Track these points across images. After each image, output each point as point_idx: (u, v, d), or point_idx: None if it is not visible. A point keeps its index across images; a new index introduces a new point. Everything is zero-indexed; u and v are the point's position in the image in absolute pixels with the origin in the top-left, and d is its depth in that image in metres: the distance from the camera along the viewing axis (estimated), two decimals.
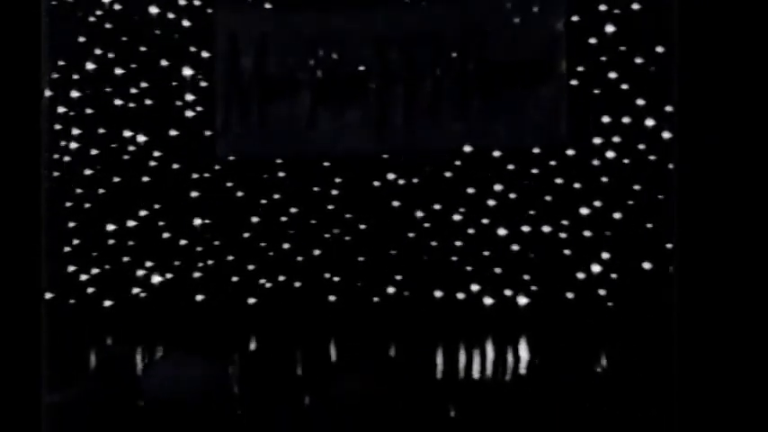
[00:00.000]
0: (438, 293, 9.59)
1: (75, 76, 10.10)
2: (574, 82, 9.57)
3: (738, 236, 2.92)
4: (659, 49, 9.23)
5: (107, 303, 9.93)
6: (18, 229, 2.95)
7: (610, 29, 9.54)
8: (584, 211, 9.50)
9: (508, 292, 9.49)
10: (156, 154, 10.07)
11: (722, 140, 2.95)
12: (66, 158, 10.08)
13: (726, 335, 2.92)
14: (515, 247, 9.54)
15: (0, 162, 2.95)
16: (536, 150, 9.63)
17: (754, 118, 2.92)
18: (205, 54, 10.05)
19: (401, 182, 9.78)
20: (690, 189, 3.00)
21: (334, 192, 9.88)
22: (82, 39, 10.12)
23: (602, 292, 9.33)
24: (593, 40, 9.60)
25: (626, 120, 9.50)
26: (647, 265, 9.14)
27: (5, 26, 2.94)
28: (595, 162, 9.54)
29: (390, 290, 9.67)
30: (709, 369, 2.93)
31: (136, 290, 9.94)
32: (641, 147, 9.40)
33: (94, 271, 9.98)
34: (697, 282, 2.94)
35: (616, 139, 9.53)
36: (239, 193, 9.97)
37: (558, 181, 9.56)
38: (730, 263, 2.92)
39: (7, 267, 2.94)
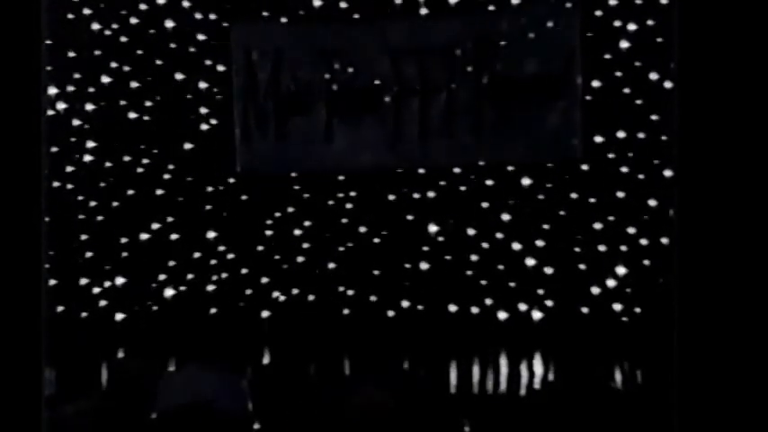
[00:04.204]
0: (452, 307, 9.59)
1: (91, 89, 10.13)
2: (588, 97, 9.57)
3: (740, 242, 2.91)
4: (673, 65, 9.21)
5: (119, 316, 9.94)
6: (19, 238, 2.95)
7: (624, 44, 9.54)
8: (599, 225, 9.50)
9: (523, 307, 9.49)
10: (171, 167, 10.09)
11: (723, 146, 2.95)
12: (81, 171, 10.09)
13: (728, 343, 2.91)
14: (530, 262, 9.54)
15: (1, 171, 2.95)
16: (550, 165, 9.63)
17: (755, 124, 2.91)
18: (221, 68, 10.07)
19: (416, 195, 9.80)
20: (690, 196, 2.99)
21: (349, 205, 9.89)
22: (98, 52, 10.15)
23: (616, 306, 9.32)
24: (607, 55, 9.59)
25: (641, 135, 9.49)
26: (661, 281, 9.12)
27: (4, 32, 2.95)
28: (610, 177, 9.53)
29: (405, 303, 9.67)
30: (711, 377, 2.92)
31: (149, 303, 9.94)
32: (656, 161, 9.38)
33: (107, 284, 9.99)
34: (698, 289, 2.93)
35: (630, 154, 9.52)
36: (254, 207, 9.98)
37: (573, 195, 9.56)
38: (731, 269, 2.91)
39: (7, 276, 2.93)
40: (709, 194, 2.91)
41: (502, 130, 9.65)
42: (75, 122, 10.11)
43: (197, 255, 9.98)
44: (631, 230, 9.40)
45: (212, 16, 10.12)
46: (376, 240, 9.83)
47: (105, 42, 10.15)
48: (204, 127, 10.10)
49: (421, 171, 9.84)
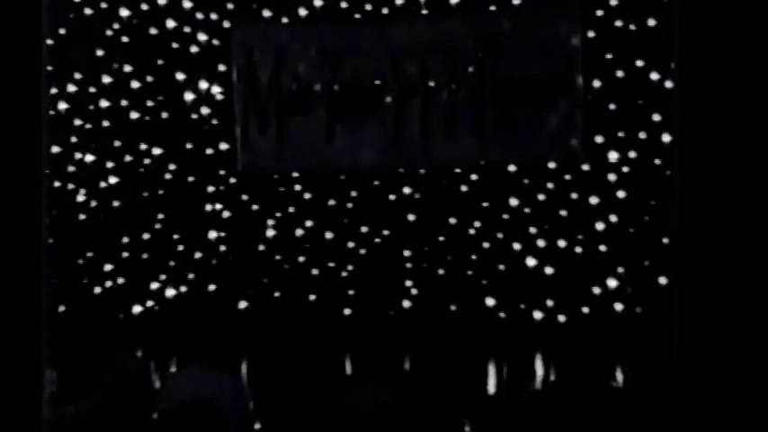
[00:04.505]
0: (453, 307, 9.58)
1: (92, 90, 10.13)
2: (589, 96, 9.56)
3: (740, 242, 2.91)
4: (674, 65, 9.20)
5: (120, 316, 9.93)
6: (20, 238, 2.95)
7: (625, 44, 9.54)
8: (600, 225, 9.49)
9: (523, 307, 9.48)
10: (172, 167, 10.09)
11: (723, 146, 2.95)
12: (82, 171, 10.09)
13: (729, 342, 2.91)
14: (531, 262, 9.54)
15: (2, 172, 2.95)
16: (551, 165, 9.63)
17: (755, 123, 2.91)
18: (222, 68, 10.07)
19: (417, 196, 9.80)
20: (691, 196, 3.00)
21: (350, 205, 9.89)
22: (99, 52, 10.15)
23: (617, 306, 9.32)
24: (609, 56, 9.59)
25: (642, 135, 9.49)
26: (662, 280, 9.12)
27: (5, 35, 2.95)
28: (611, 177, 9.52)
29: (406, 304, 9.67)
30: (711, 377, 2.92)
31: (150, 303, 9.94)
32: (657, 162, 9.38)
33: (108, 284, 9.99)
34: (699, 289, 2.93)
35: (632, 155, 9.52)
36: (254, 207, 9.98)
37: (574, 195, 9.56)
38: (732, 269, 2.91)
39: (9, 276, 2.93)
40: (710, 194, 2.92)
41: (503, 130, 9.64)
42: (77, 122, 10.10)
43: (198, 255, 9.98)
44: (632, 230, 9.39)
45: (213, 16, 10.12)
46: (377, 240, 9.83)
47: (106, 42, 10.15)
48: (205, 127, 10.10)
49: (422, 171, 9.84)
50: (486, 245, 9.66)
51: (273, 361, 9.63)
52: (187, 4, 10.10)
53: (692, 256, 2.94)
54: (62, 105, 10.03)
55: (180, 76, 10.10)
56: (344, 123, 9.90)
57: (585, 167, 9.57)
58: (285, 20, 10.06)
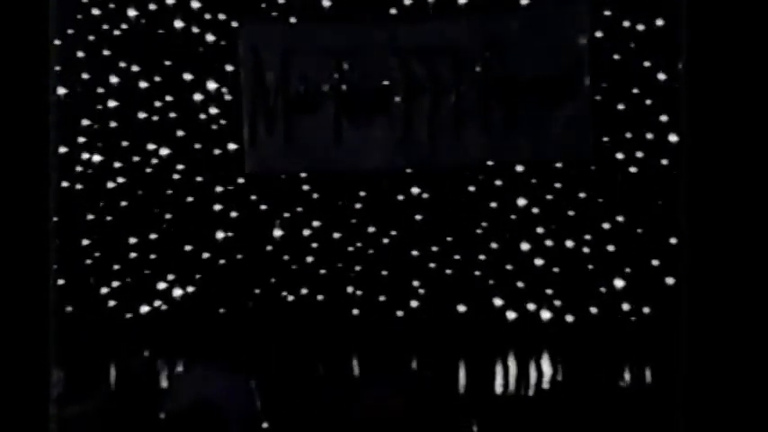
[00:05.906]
0: (461, 308, 9.58)
1: (100, 90, 10.13)
2: (597, 97, 9.56)
3: (748, 242, 2.91)
4: (681, 65, 9.19)
5: (128, 316, 9.94)
6: (27, 238, 2.96)
7: (633, 44, 9.53)
8: (607, 225, 9.49)
9: (531, 307, 9.48)
10: (180, 167, 10.09)
11: (731, 146, 2.95)
12: (89, 171, 10.09)
13: (737, 343, 2.90)
14: (538, 262, 9.54)
15: (7, 172, 2.95)
16: (559, 165, 9.63)
17: (763, 124, 2.91)
18: (230, 68, 10.07)
19: (425, 196, 9.79)
20: (698, 196, 2.99)
21: (358, 205, 9.89)
22: (106, 52, 10.16)
23: (625, 306, 9.31)
24: (616, 56, 9.59)
25: (649, 135, 9.48)
26: (670, 281, 9.10)
27: (11, 34, 2.95)
28: (618, 177, 9.52)
29: (413, 303, 9.68)
30: (719, 377, 2.92)
31: (157, 303, 9.95)
32: (664, 162, 9.37)
33: (115, 284, 10.00)
34: (706, 289, 2.93)
35: (639, 155, 9.51)
36: (262, 207, 9.99)
37: (582, 195, 9.55)
38: (740, 269, 2.90)
39: (16, 276, 2.93)
40: (718, 194, 2.91)
41: (511, 131, 9.64)
42: (84, 123, 10.11)
43: (206, 255, 9.98)
44: (640, 230, 9.39)
45: (221, 16, 10.12)
46: (385, 240, 9.83)
47: (114, 42, 10.16)
48: (213, 127, 10.11)
49: (430, 171, 9.84)
50: (493, 245, 9.66)
51: (281, 361, 9.64)
52: (195, 5, 10.10)
53: (699, 257, 2.93)
54: (70, 106, 10.02)
55: (188, 77, 10.10)
56: (352, 124, 9.90)
57: (593, 168, 9.56)
58: (293, 20, 10.06)
